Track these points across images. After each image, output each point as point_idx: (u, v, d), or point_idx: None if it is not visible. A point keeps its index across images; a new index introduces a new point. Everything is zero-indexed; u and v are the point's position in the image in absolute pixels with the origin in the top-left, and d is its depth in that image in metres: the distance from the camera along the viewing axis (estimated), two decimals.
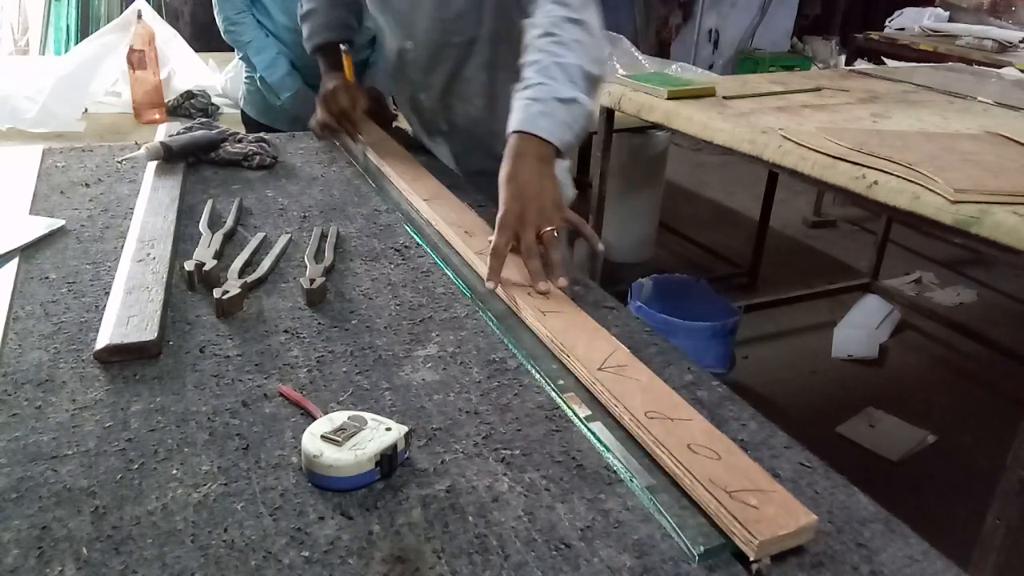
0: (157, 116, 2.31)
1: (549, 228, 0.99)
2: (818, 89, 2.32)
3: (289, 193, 1.30)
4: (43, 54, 3.69)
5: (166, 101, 2.37)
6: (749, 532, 0.58)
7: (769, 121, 1.90)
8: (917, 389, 2.69)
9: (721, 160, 4.54)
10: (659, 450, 0.67)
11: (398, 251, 1.10)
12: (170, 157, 1.33)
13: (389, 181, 1.35)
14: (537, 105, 1.06)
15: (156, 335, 0.82)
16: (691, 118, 1.98)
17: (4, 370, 0.78)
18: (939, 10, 4.49)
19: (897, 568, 0.59)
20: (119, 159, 1.36)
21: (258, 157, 1.41)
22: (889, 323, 2.98)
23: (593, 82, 1.11)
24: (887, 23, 4.66)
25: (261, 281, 0.98)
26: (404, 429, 0.68)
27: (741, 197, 4.22)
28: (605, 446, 0.70)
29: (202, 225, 1.12)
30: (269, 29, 1.89)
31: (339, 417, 0.68)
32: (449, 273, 1.03)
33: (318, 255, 1.05)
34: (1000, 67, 3.20)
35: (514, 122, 1.06)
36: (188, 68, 2.51)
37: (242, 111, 2.10)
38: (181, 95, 2.42)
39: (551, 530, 0.61)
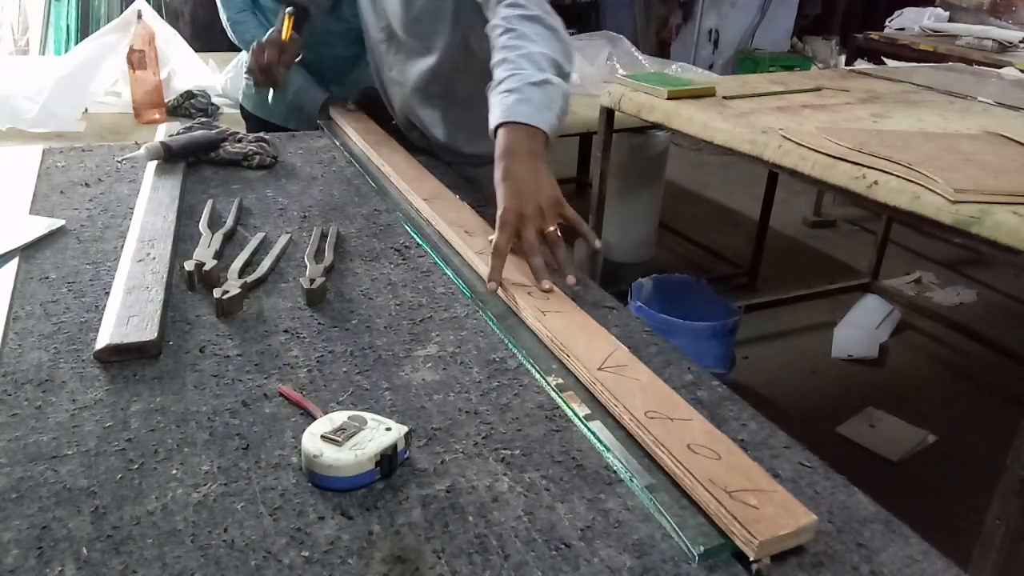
0: (157, 116, 2.31)
1: (552, 228, 0.99)
2: (818, 89, 2.32)
3: (289, 193, 1.30)
4: (43, 54, 3.68)
5: (166, 101, 2.37)
6: (749, 532, 0.58)
7: (769, 121, 1.90)
8: (917, 389, 2.69)
9: (721, 160, 4.54)
10: (659, 450, 0.67)
11: (398, 251, 1.10)
12: (170, 157, 1.33)
13: (389, 181, 1.35)
14: (512, 95, 1.05)
15: (156, 335, 0.82)
16: (691, 118, 1.97)
17: (4, 370, 0.78)
18: (939, 10, 4.49)
19: (897, 568, 0.59)
20: (119, 159, 1.36)
21: (258, 157, 1.41)
22: (889, 323, 2.98)
23: (560, 69, 1.12)
24: (887, 23, 4.66)
25: (261, 281, 0.98)
26: (404, 429, 0.68)
27: (741, 197, 4.22)
28: (605, 446, 0.70)
29: (202, 225, 1.12)
30: (266, 25, 1.88)
31: (339, 417, 0.68)
32: (449, 273, 1.03)
33: (318, 255, 1.05)
34: (1000, 67, 3.20)
35: (495, 117, 1.06)
36: (188, 68, 2.51)
37: (241, 106, 2.10)
38: (181, 95, 2.42)
39: (551, 530, 0.61)
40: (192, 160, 1.38)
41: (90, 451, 0.67)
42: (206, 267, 0.96)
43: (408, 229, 1.17)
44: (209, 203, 1.20)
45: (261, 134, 1.51)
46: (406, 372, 0.81)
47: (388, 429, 0.67)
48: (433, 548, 0.59)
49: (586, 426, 0.73)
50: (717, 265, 3.48)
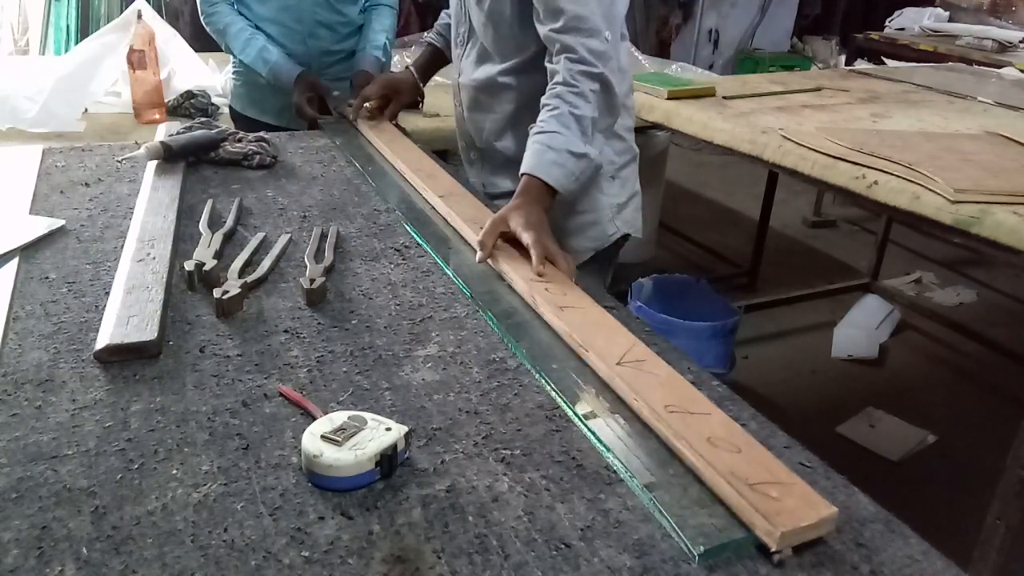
0: (157, 116, 2.30)
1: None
2: (818, 89, 2.32)
3: (289, 193, 1.30)
4: (43, 54, 3.68)
5: (166, 101, 2.37)
6: (771, 523, 0.58)
7: (769, 121, 1.90)
8: (917, 389, 2.69)
9: (721, 160, 4.53)
10: (679, 443, 0.68)
11: (398, 251, 1.10)
12: (170, 157, 1.33)
13: (403, 177, 1.36)
14: (551, 153, 1.15)
15: (156, 335, 0.82)
16: (691, 118, 1.98)
17: (4, 370, 0.78)
18: (939, 10, 4.49)
19: (897, 568, 0.59)
20: (119, 159, 1.36)
21: (258, 157, 1.41)
22: (889, 323, 2.98)
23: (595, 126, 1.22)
24: (887, 23, 4.66)
25: (261, 281, 0.98)
26: (404, 429, 0.68)
27: (741, 197, 4.22)
28: (605, 446, 0.70)
29: (202, 225, 1.12)
30: (249, 19, 1.86)
31: (339, 417, 0.68)
32: (449, 273, 1.03)
33: (318, 255, 1.05)
34: (1000, 67, 3.20)
35: (528, 164, 1.15)
36: (188, 68, 2.51)
37: (230, 107, 2.09)
38: (181, 95, 2.42)
39: (551, 530, 0.61)
40: (192, 160, 1.38)
41: (90, 451, 0.67)
42: (206, 267, 0.96)
43: (408, 229, 1.17)
44: (209, 203, 1.20)
45: (261, 134, 1.51)
46: (406, 372, 0.81)
47: (388, 429, 0.67)
48: (433, 548, 0.59)
49: (586, 426, 0.73)
50: (717, 265, 3.48)
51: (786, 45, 6.12)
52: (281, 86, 1.81)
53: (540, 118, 1.19)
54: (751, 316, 2.91)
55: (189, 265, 0.96)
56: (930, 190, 1.46)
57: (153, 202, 1.17)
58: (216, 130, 1.46)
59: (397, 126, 1.65)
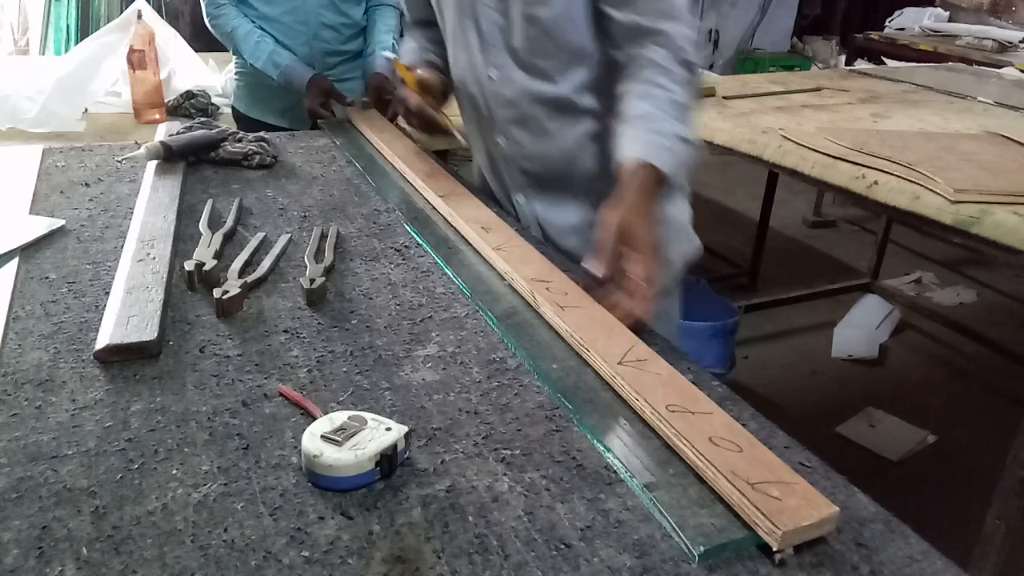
0: (157, 116, 2.31)
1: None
2: (818, 89, 2.32)
3: (289, 193, 1.30)
4: (43, 54, 3.68)
5: (166, 101, 2.37)
6: (772, 523, 0.58)
7: (769, 121, 1.90)
8: (917, 389, 2.69)
9: (721, 160, 4.53)
10: (681, 443, 0.68)
11: (398, 251, 1.10)
12: (170, 157, 1.33)
13: (403, 177, 1.36)
14: (658, 137, 1.00)
15: (156, 335, 0.82)
16: None
17: (4, 370, 0.78)
18: (939, 10, 4.50)
19: (897, 568, 0.59)
20: (119, 159, 1.36)
21: (258, 157, 1.41)
22: (889, 323, 2.98)
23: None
24: (887, 23, 4.67)
25: (261, 281, 0.98)
26: (404, 429, 0.68)
27: (741, 197, 4.22)
28: (605, 446, 0.70)
29: (202, 225, 1.12)
30: (254, 20, 1.87)
31: (339, 417, 0.68)
32: (449, 273, 1.03)
33: (318, 255, 1.05)
34: (1000, 67, 3.20)
35: (633, 149, 1.00)
36: (188, 68, 2.51)
37: (233, 107, 2.09)
38: (181, 95, 2.42)
39: (551, 530, 0.61)
40: (192, 160, 1.38)
41: (90, 451, 0.67)
42: (206, 267, 0.96)
43: (408, 229, 1.17)
44: (209, 203, 1.20)
45: (261, 134, 1.51)
46: (406, 372, 0.81)
47: (388, 429, 0.67)
48: (433, 548, 0.59)
49: (586, 426, 0.73)
50: (717, 265, 3.48)
51: (786, 45, 6.12)
52: (292, 89, 1.82)
53: (628, 104, 1.04)
54: (751, 316, 2.91)
55: (189, 265, 0.96)
56: (930, 190, 1.46)
57: (153, 202, 1.17)
58: (216, 130, 1.46)
59: (397, 126, 1.65)
